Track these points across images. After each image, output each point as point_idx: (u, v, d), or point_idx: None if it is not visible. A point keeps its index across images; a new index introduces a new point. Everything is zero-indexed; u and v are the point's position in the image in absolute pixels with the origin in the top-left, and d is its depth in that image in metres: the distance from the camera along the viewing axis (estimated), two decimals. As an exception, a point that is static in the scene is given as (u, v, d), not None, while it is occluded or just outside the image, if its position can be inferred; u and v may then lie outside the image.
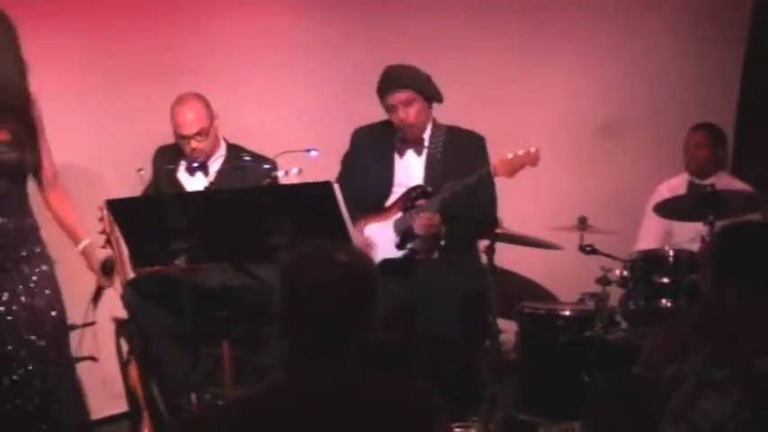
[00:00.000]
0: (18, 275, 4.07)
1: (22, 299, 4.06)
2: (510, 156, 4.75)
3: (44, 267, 4.12)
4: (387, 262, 4.89)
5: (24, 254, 4.09)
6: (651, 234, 5.89)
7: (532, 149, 4.74)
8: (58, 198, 4.31)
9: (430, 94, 5.01)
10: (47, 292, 4.10)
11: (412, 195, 4.94)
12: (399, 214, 4.95)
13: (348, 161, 5.22)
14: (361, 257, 2.58)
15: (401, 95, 4.95)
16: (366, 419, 2.39)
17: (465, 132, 5.09)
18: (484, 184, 4.87)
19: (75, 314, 4.44)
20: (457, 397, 4.68)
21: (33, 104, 4.14)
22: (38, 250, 4.13)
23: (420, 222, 4.81)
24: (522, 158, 4.75)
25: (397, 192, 5.04)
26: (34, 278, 4.09)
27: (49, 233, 4.26)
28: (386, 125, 5.13)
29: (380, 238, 4.95)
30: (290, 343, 2.48)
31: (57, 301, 4.14)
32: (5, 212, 4.06)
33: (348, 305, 2.45)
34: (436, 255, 4.92)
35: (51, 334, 4.09)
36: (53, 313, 4.10)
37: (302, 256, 2.52)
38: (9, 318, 4.04)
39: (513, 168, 4.76)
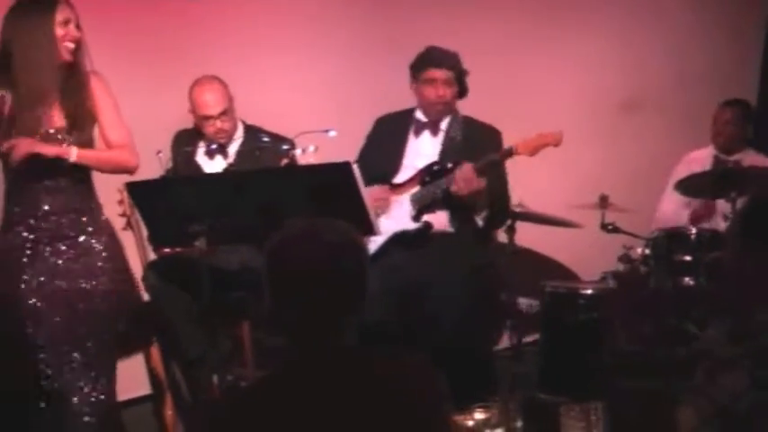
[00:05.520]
0: (50, 257, 4.10)
1: (42, 279, 4.09)
2: (533, 135, 4.75)
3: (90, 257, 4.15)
4: (400, 234, 4.88)
5: (72, 234, 4.12)
6: (673, 203, 5.83)
7: (557, 131, 4.74)
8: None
9: (462, 86, 5.04)
10: (81, 283, 4.11)
11: (432, 170, 4.92)
12: (416, 188, 4.93)
13: (365, 148, 5.21)
14: (349, 235, 2.51)
15: (445, 74, 4.98)
16: (369, 397, 2.38)
17: (482, 124, 5.06)
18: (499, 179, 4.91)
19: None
20: (476, 377, 4.68)
21: (87, 82, 4.17)
22: (84, 237, 4.15)
23: (459, 177, 4.73)
24: (546, 138, 4.75)
25: (405, 171, 5.01)
26: (68, 262, 4.11)
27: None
28: (407, 111, 5.14)
29: (395, 212, 4.93)
30: (281, 327, 2.45)
31: (89, 295, 4.13)
32: (59, 191, 4.11)
33: (338, 285, 2.41)
34: (480, 220, 4.87)
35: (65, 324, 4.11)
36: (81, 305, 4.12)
37: (288, 237, 2.47)
38: (30, 302, 4.08)
39: (535, 148, 4.76)
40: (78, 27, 4.14)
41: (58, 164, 4.07)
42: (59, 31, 4.08)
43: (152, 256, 4.91)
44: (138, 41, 5.60)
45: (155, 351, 4.80)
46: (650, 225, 5.57)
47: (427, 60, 5.01)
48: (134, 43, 5.58)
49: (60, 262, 4.11)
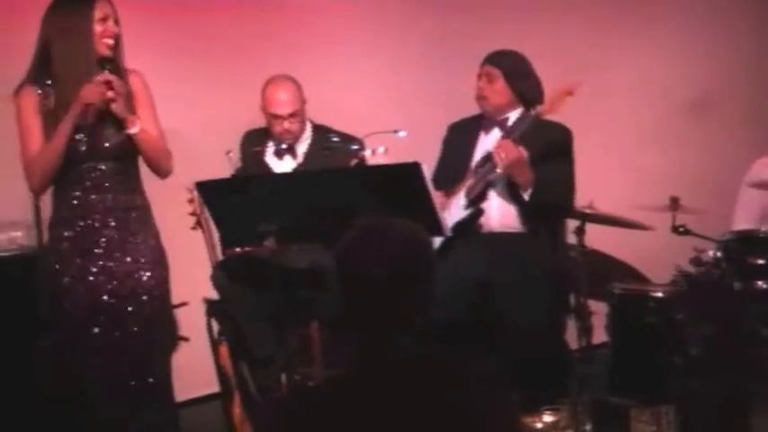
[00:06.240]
0: (95, 257, 4.14)
1: (86, 278, 4.13)
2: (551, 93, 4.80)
3: (138, 255, 4.19)
4: (456, 226, 4.83)
5: (118, 234, 4.15)
6: (750, 211, 5.73)
7: (572, 82, 4.75)
8: None
9: (518, 87, 4.99)
10: (126, 281, 4.16)
11: (483, 161, 4.89)
12: (470, 181, 4.91)
13: (441, 154, 5.20)
14: (417, 234, 2.51)
15: (487, 68, 4.99)
16: (437, 399, 2.36)
17: (551, 123, 5.00)
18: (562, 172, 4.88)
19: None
20: (545, 379, 4.64)
21: (126, 77, 4.20)
22: (131, 237, 4.18)
23: (499, 146, 4.72)
24: (559, 91, 4.75)
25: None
26: (114, 261, 4.16)
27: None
28: (479, 115, 5.13)
29: (453, 209, 4.90)
30: (351, 326, 2.45)
31: (141, 293, 4.18)
32: (106, 190, 4.14)
33: (407, 284, 2.40)
34: (527, 196, 4.82)
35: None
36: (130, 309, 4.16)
37: (357, 237, 2.47)
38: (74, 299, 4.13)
39: (554, 102, 4.76)
40: (117, 23, 4.18)
41: (119, 145, 4.13)
42: (98, 28, 4.12)
43: (221, 255, 4.94)
44: (211, 40, 5.64)
45: (223, 350, 4.83)
46: (722, 226, 5.49)
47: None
48: (206, 43, 5.63)
49: (106, 262, 4.14)
